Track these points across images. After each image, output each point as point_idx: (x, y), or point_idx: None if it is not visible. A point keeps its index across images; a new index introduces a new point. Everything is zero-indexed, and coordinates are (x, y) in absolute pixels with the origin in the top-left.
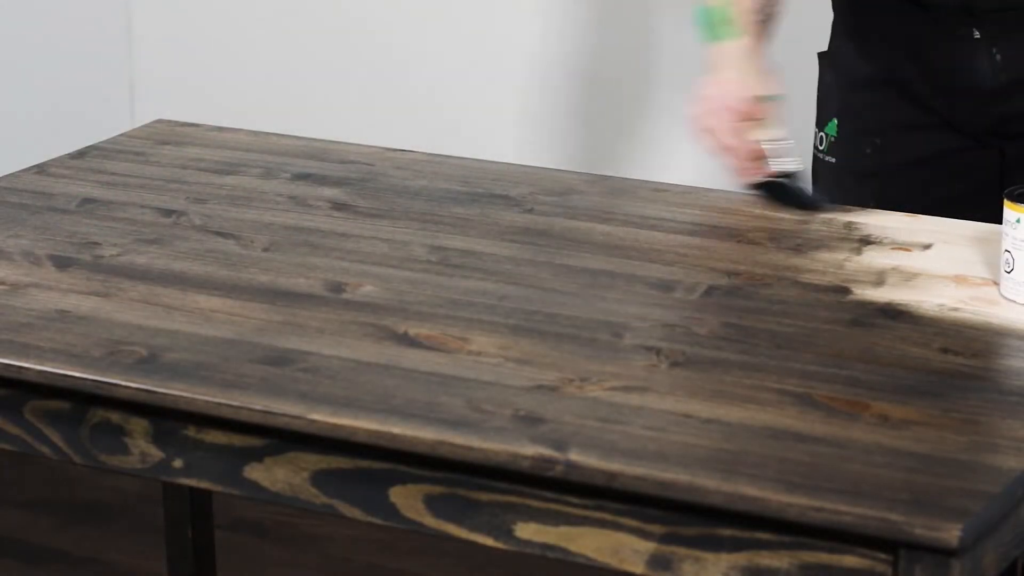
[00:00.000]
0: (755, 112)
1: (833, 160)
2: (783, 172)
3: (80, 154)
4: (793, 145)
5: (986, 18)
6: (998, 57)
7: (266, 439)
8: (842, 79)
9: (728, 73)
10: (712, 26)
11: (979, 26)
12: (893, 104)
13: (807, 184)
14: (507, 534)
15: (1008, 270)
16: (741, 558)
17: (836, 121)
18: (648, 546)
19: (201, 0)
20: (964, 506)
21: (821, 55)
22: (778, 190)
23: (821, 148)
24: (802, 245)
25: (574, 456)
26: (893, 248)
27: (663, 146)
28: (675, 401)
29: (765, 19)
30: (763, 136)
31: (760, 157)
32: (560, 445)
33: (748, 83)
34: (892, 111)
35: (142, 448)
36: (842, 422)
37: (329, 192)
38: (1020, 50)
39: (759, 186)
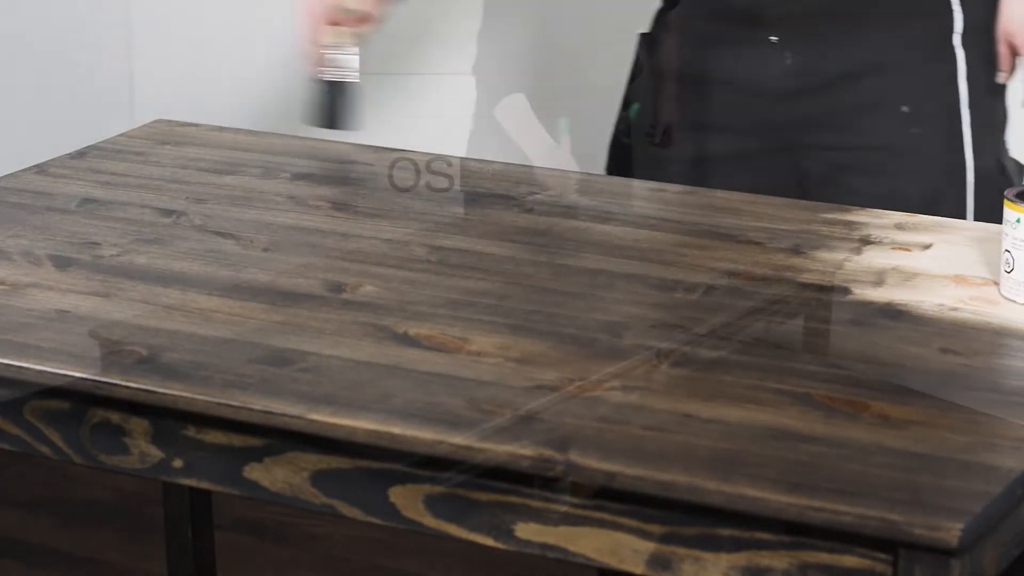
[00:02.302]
0: (335, 19)
1: (628, 142)
2: (332, 81)
3: (80, 154)
4: (356, 60)
5: (780, 23)
6: (789, 61)
7: (266, 439)
8: (654, 66)
9: None
10: None
11: (775, 30)
12: (694, 102)
13: (348, 102)
14: (507, 534)
15: (1008, 270)
16: (741, 558)
17: (638, 106)
18: (648, 546)
19: (201, 0)
20: (964, 506)
21: (643, 36)
22: (321, 99)
23: (621, 128)
24: (802, 245)
25: (574, 456)
26: (893, 248)
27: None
28: (675, 401)
29: None
30: (331, 42)
31: (323, 63)
32: (560, 445)
33: None
34: (692, 108)
35: (142, 448)
36: (842, 422)
37: (329, 192)
38: (812, 55)
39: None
